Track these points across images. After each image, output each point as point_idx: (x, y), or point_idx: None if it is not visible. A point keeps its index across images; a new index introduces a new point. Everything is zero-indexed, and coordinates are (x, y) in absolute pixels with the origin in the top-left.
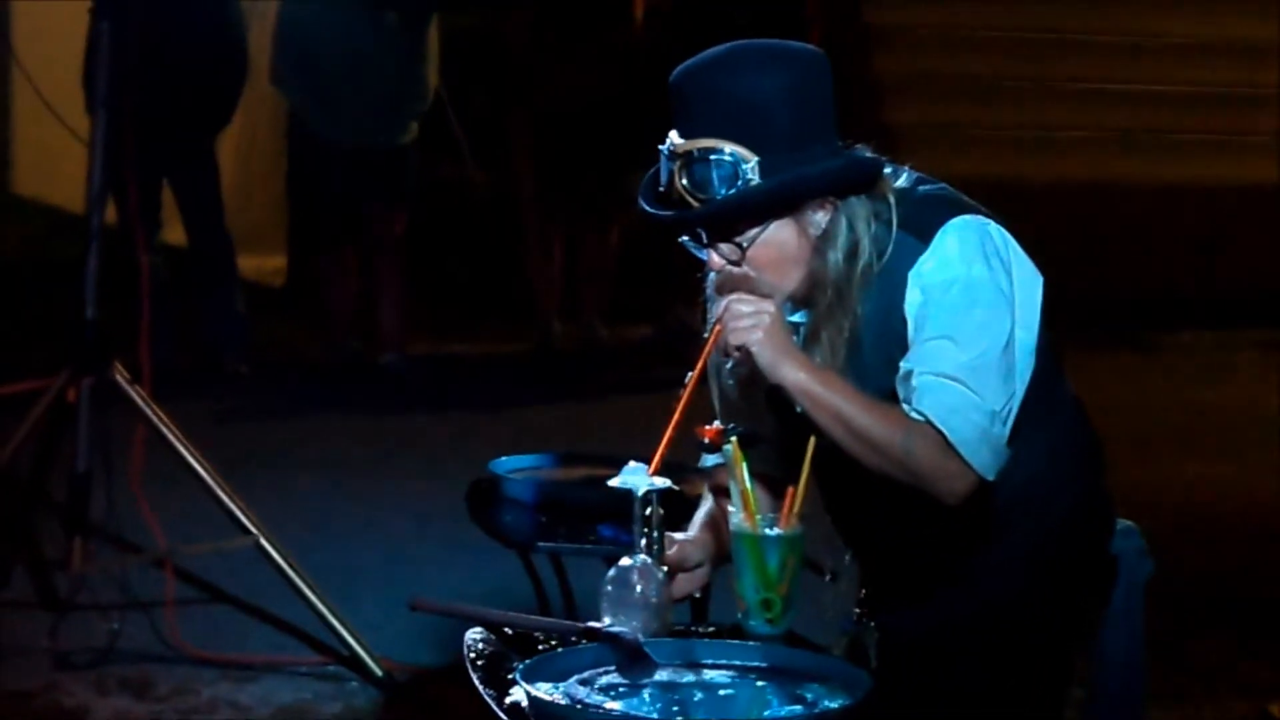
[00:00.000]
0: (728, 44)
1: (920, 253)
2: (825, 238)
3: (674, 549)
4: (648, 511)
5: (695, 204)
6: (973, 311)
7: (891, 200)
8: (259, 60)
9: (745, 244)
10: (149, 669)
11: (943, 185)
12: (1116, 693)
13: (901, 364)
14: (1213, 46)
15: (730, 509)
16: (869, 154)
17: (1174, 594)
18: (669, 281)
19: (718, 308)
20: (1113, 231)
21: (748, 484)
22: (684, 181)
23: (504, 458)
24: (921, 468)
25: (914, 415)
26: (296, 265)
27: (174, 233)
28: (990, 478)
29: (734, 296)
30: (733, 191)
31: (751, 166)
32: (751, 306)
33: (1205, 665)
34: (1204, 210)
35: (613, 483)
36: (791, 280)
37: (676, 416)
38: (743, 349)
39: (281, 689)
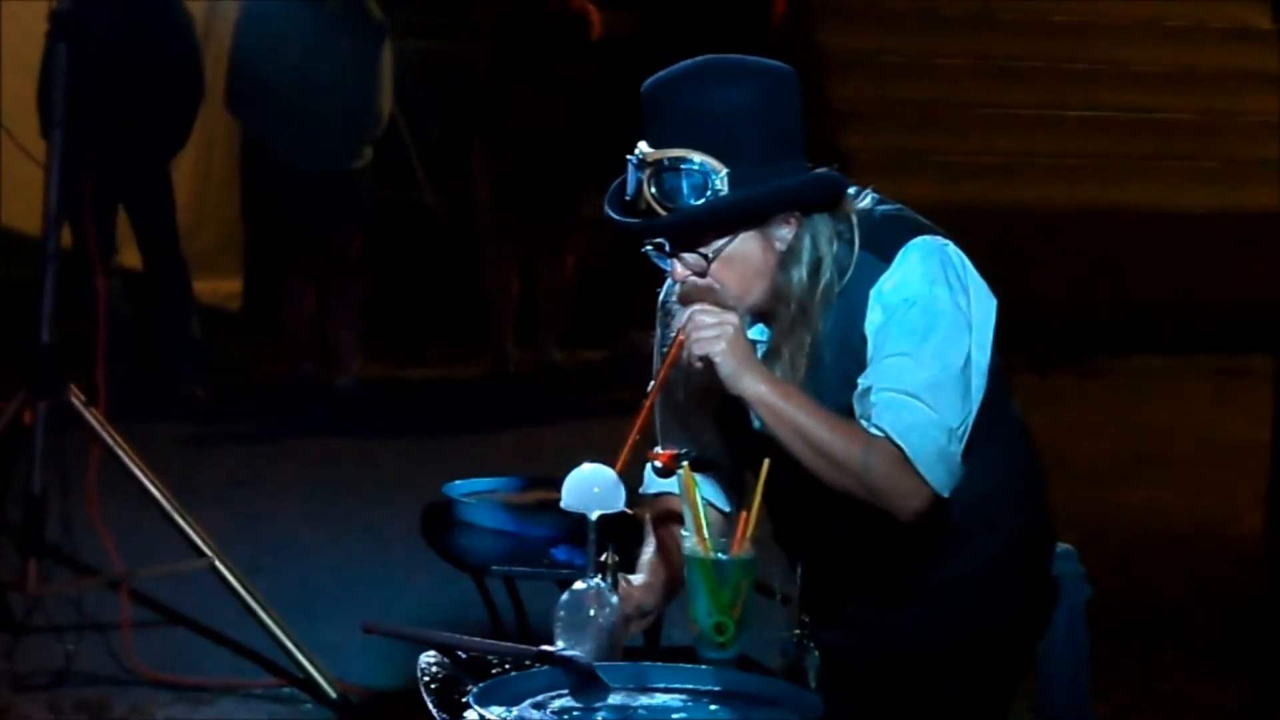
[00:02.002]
0: (700, 57)
1: (881, 271)
2: (790, 253)
3: (630, 600)
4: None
5: (663, 213)
6: (932, 331)
7: (854, 220)
8: (214, 84)
9: (711, 255)
10: (105, 691)
11: (901, 206)
12: (1063, 717)
13: (860, 380)
14: (1169, 74)
15: (683, 533)
16: (834, 173)
17: (1124, 617)
18: (624, 306)
19: (681, 318)
20: (1066, 256)
21: (700, 508)
22: (652, 190)
23: (458, 481)
24: (878, 483)
25: (873, 431)
26: (253, 289)
27: (130, 256)
28: (945, 495)
29: (697, 307)
30: (701, 201)
31: (721, 177)
32: (714, 318)
33: (1156, 688)
34: (1161, 235)
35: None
36: (754, 293)
37: (640, 421)
38: (705, 359)
39: (237, 711)
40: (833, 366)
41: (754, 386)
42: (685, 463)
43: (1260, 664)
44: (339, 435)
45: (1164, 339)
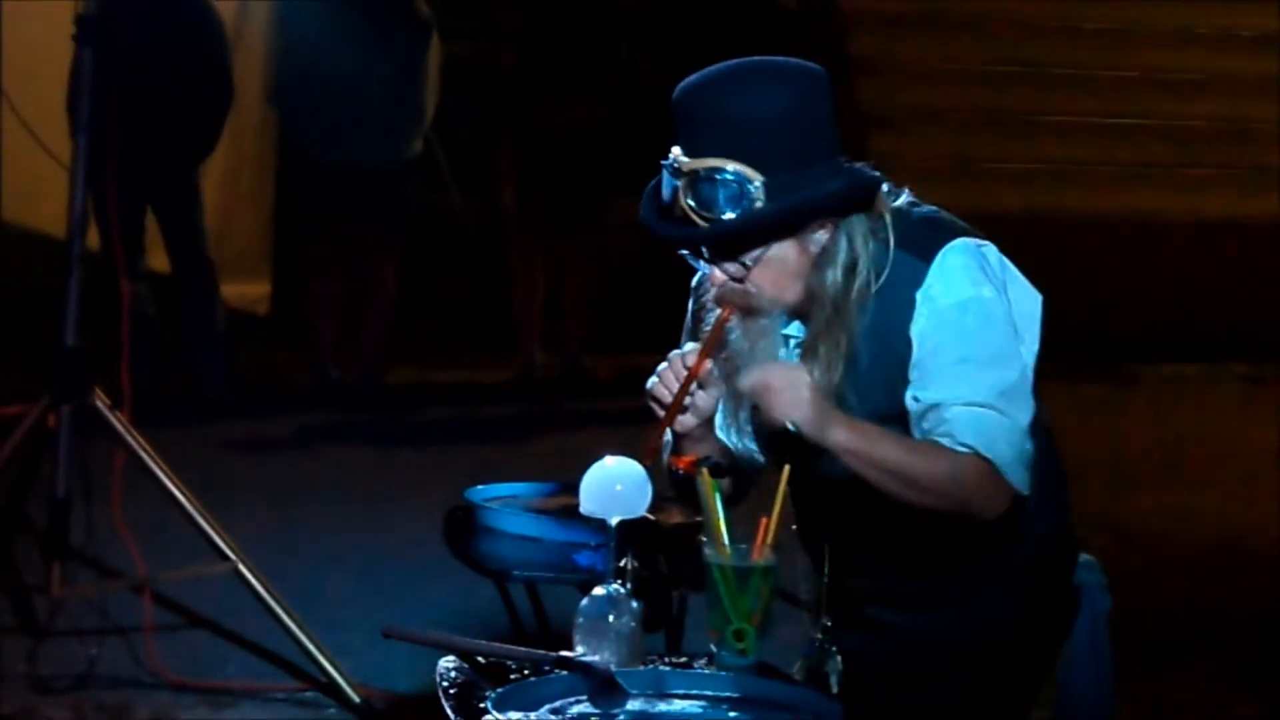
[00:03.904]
0: (731, 61)
1: (921, 272)
2: (824, 255)
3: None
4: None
5: (700, 222)
6: (988, 334)
7: (888, 219)
8: (245, 87)
9: (750, 262)
10: (127, 695)
11: (937, 208)
12: None
13: (919, 392)
14: (1201, 81)
15: (702, 539)
16: (868, 171)
17: (1150, 623)
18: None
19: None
20: (1095, 263)
21: (720, 515)
22: (690, 200)
23: (481, 485)
24: (970, 496)
25: (959, 449)
26: (281, 292)
27: (157, 259)
28: (1026, 493)
29: (764, 370)
30: (739, 213)
31: (757, 187)
32: (783, 378)
33: (1184, 696)
34: (1188, 243)
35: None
36: (791, 295)
37: (675, 402)
38: (770, 415)
39: (259, 715)
40: (870, 366)
41: (837, 436)
42: (704, 469)
43: None
44: (364, 439)
45: (1196, 347)
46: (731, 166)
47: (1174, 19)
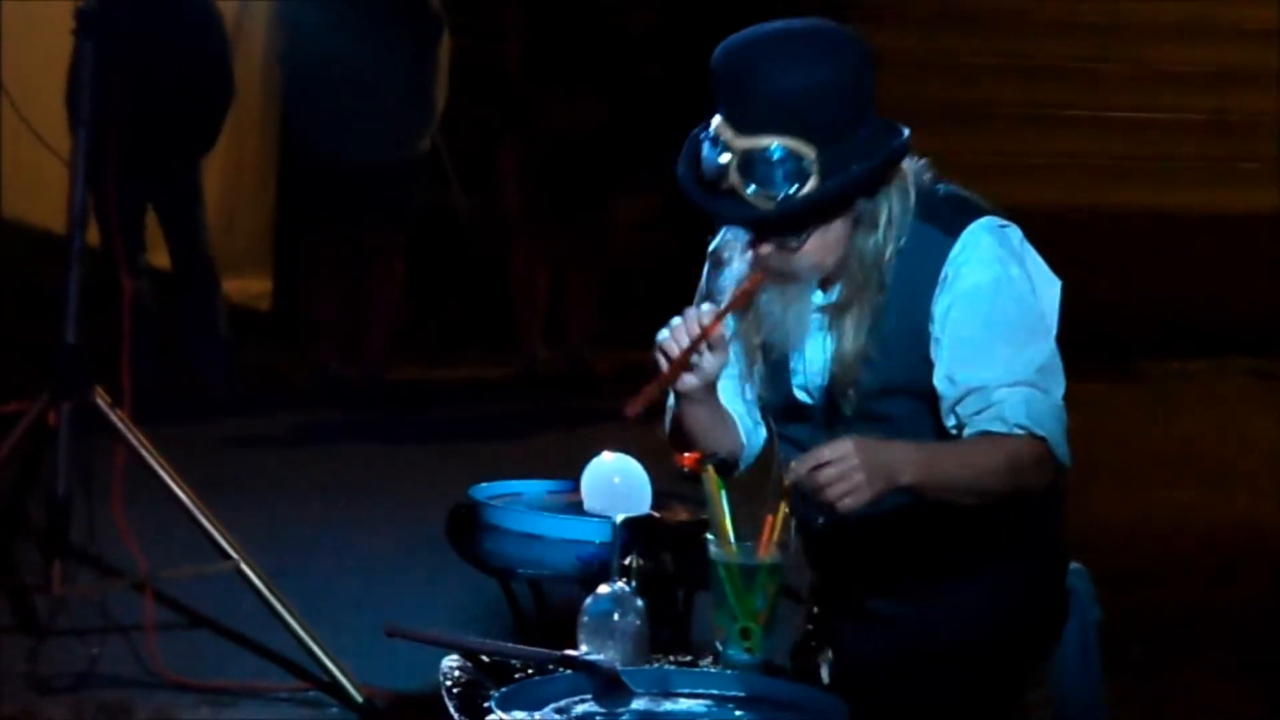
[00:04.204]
0: (772, 26)
1: (945, 247)
2: (865, 218)
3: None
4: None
5: (754, 201)
6: (1021, 312)
7: (912, 189)
8: (246, 82)
9: (805, 236)
10: (128, 694)
11: (960, 188)
12: None
13: (961, 376)
14: (1203, 74)
15: (708, 537)
16: (898, 126)
17: (1159, 622)
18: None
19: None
20: (1101, 259)
21: (726, 512)
22: (743, 178)
23: (485, 483)
24: (1026, 480)
25: (1013, 431)
26: (282, 289)
27: (158, 256)
28: (1069, 465)
29: (811, 470)
30: (796, 189)
31: (811, 162)
32: (837, 470)
33: (1191, 694)
34: (1195, 238)
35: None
36: (831, 262)
37: (681, 358)
38: (850, 502)
39: (262, 715)
40: (895, 331)
41: (905, 481)
42: (710, 465)
43: None
44: (366, 436)
45: (1202, 342)
46: (787, 144)
47: (1173, 13)
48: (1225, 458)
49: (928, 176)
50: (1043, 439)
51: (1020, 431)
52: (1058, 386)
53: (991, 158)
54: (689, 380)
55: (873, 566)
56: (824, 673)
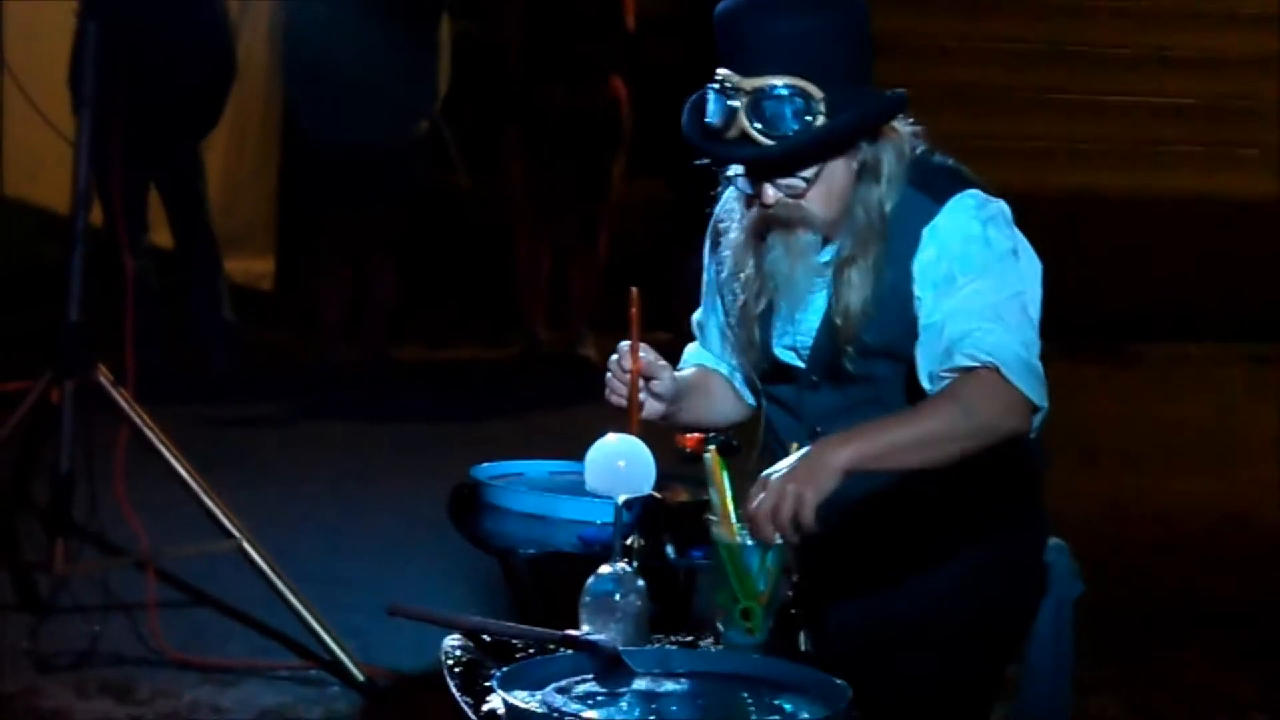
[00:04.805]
0: None
1: (931, 212)
2: (867, 169)
3: (655, 363)
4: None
5: (766, 141)
6: (990, 263)
7: (905, 148)
8: (248, 62)
9: (810, 178)
10: (130, 672)
11: (955, 162)
12: (1042, 713)
13: (925, 319)
14: (1205, 60)
15: (710, 517)
16: (900, 92)
17: (1153, 606)
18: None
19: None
20: (1099, 243)
21: (728, 493)
22: (753, 119)
23: (486, 463)
24: (983, 417)
25: (963, 361)
26: (285, 269)
27: (161, 235)
28: (1044, 405)
29: (759, 508)
30: (805, 128)
31: (819, 101)
32: (768, 500)
33: (1186, 679)
34: (1192, 223)
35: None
36: (836, 210)
37: (632, 405)
38: (803, 510)
39: (263, 693)
40: (890, 287)
41: (843, 461)
42: (713, 447)
43: None
44: (369, 416)
45: (1199, 326)
46: (795, 82)
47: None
48: (1222, 443)
49: (921, 147)
50: (991, 368)
51: (968, 363)
52: (1019, 328)
53: (989, 141)
54: (653, 408)
55: (849, 545)
56: (801, 640)
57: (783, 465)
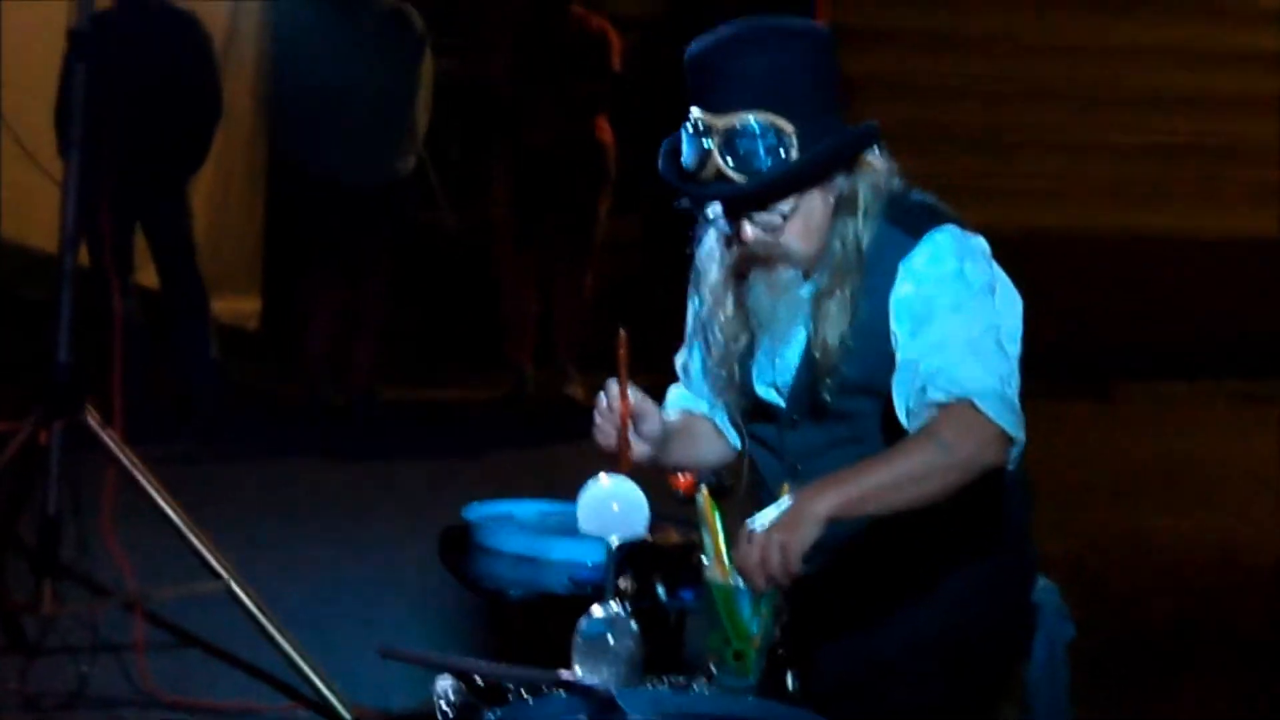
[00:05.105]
0: (739, 21)
1: (907, 247)
2: (844, 203)
3: (643, 404)
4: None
5: (738, 178)
6: (965, 300)
7: (882, 183)
8: (233, 103)
9: (787, 213)
10: (118, 714)
11: (934, 198)
12: None
13: (901, 354)
14: (1187, 99)
15: (702, 559)
16: (873, 124)
17: (1148, 644)
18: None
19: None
20: (1086, 281)
21: (720, 534)
22: (726, 157)
23: (477, 504)
24: (961, 452)
25: (938, 396)
26: (271, 308)
27: (147, 275)
28: (1021, 437)
29: (741, 560)
30: (779, 163)
31: (790, 135)
32: (754, 552)
33: (1180, 714)
34: (1179, 261)
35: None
36: (815, 245)
37: (621, 446)
38: (789, 559)
39: None
40: (867, 321)
41: (824, 507)
42: (705, 488)
43: None
44: (357, 456)
45: (1187, 364)
46: (766, 117)
47: (1158, 37)
48: (1206, 479)
49: (898, 182)
50: (964, 402)
51: (943, 398)
52: (994, 363)
53: (978, 181)
54: (641, 452)
55: (834, 585)
56: (788, 679)
57: (765, 516)
